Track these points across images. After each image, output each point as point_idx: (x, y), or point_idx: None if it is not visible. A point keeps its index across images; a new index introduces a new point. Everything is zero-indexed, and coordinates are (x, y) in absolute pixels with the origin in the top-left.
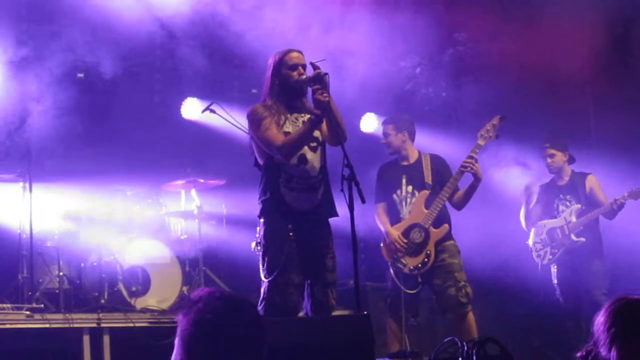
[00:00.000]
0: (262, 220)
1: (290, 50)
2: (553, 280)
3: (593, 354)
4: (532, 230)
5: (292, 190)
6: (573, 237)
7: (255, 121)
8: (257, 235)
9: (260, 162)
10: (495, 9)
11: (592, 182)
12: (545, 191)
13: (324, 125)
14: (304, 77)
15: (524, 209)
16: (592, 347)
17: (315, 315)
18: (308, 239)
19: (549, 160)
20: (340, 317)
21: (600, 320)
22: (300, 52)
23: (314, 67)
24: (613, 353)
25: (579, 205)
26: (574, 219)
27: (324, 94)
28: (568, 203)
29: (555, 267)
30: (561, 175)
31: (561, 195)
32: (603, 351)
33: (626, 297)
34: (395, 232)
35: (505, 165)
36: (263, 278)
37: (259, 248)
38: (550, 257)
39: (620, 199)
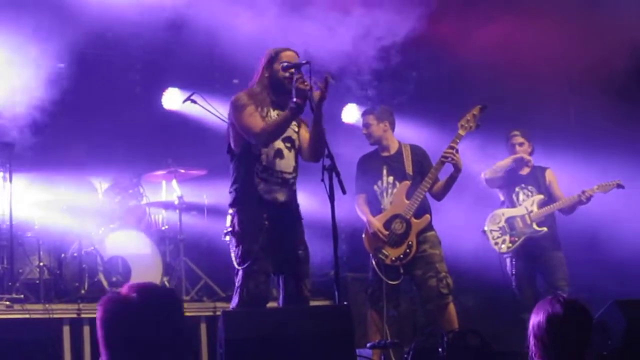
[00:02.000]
0: (234, 209)
1: (286, 49)
2: (509, 271)
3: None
4: (489, 217)
5: (266, 182)
6: (535, 226)
7: (238, 107)
8: (228, 225)
9: (236, 150)
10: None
11: (550, 176)
12: (506, 179)
13: (304, 134)
14: (295, 84)
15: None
16: None
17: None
18: (280, 231)
19: (518, 148)
20: (320, 307)
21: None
22: (296, 53)
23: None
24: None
25: (541, 196)
26: (535, 209)
27: (305, 83)
28: (529, 193)
29: (513, 259)
30: (522, 165)
31: (523, 185)
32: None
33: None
34: (378, 223)
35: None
36: (236, 266)
37: (228, 238)
38: (510, 245)
39: (589, 191)
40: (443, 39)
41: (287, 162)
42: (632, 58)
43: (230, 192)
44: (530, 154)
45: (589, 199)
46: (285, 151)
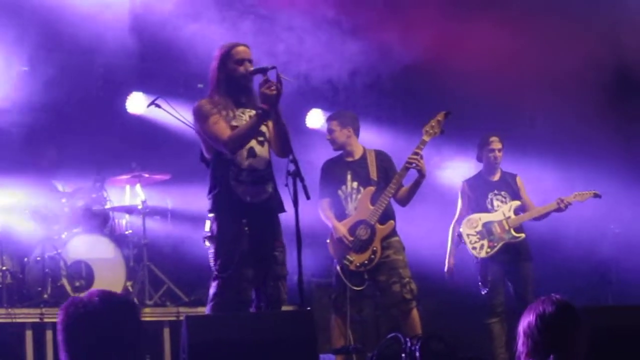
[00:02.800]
0: (212, 215)
1: (236, 44)
2: (483, 276)
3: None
4: (464, 221)
5: (242, 184)
6: (513, 232)
7: (201, 116)
8: (207, 231)
9: (208, 157)
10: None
11: (520, 183)
12: (475, 185)
13: (271, 126)
14: (250, 69)
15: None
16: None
17: (267, 309)
18: (260, 233)
19: (497, 153)
20: (282, 312)
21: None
22: (247, 45)
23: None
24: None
25: (518, 202)
26: (512, 215)
27: (271, 88)
28: (503, 199)
29: (489, 264)
30: (493, 171)
31: (496, 191)
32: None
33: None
34: (343, 229)
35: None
36: (216, 273)
37: (208, 244)
38: (489, 250)
39: (567, 199)
40: (410, 43)
41: (260, 159)
42: (606, 67)
43: (209, 198)
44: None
45: (567, 206)
46: (258, 147)
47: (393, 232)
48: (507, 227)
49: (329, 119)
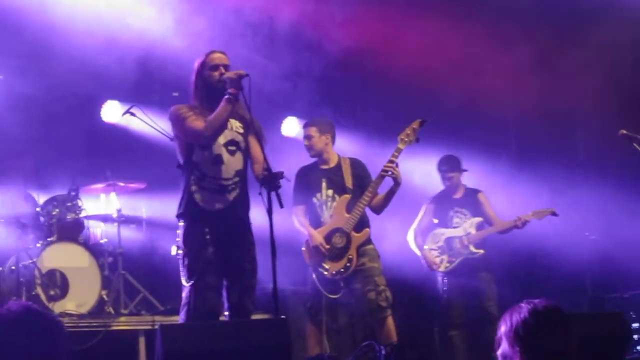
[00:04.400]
0: (180, 223)
1: (212, 52)
2: (441, 288)
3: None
4: (429, 236)
5: (202, 190)
6: (472, 248)
7: (178, 117)
8: (178, 239)
9: (182, 162)
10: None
11: (483, 198)
12: (438, 202)
13: (255, 146)
14: (225, 76)
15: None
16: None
17: (231, 318)
18: (225, 241)
19: (447, 183)
20: (257, 321)
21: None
22: (222, 52)
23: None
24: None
25: (480, 219)
26: (473, 231)
27: (236, 72)
28: (463, 216)
29: (445, 277)
30: (456, 190)
31: (456, 208)
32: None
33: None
34: (319, 237)
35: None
36: (184, 282)
37: (179, 252)
38: (448, 265)
39: (525, 217)
40: (383, 52)
41: (226, 167)
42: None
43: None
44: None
45: (524, 224)
46: (226, 155)
47: (368, 240)
48: (466, 243)
49: (307, 125)
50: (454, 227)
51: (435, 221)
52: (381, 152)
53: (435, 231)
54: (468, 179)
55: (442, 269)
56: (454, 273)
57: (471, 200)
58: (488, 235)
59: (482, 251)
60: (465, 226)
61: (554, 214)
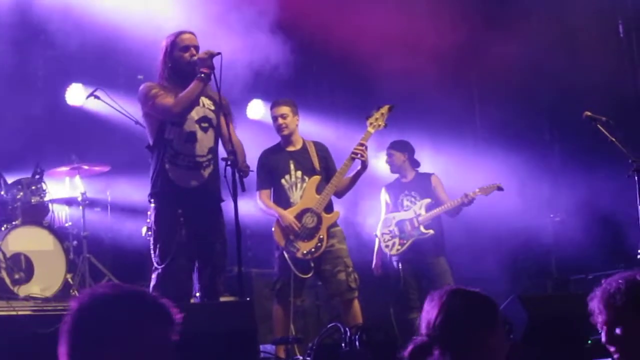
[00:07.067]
0: (152, 205)
1: (182, 32)
2: (397, 272)
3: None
4: (380, 221)
5: (177, 167)
6: (422, 228)
7: (147, 94)
8: (148, 220)
9: (151, 141)
10: None
11: (435, 181)
12: (391, 189)
13: (223, 125)
14: (195, 57)
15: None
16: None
17: (202, 300)
18: (198, 223)
19: (387, 159)
20: (222, 303)
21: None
22: (192, 33)
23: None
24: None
25: (428, 200)
26: (423, 212)
27: (206, 51)
28: (413, 198)
29: (399, 262)
30: (404, 174)
31: (406, 192)
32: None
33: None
34: (291, 216)
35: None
36: (156, 265)
37: (149, 233)
38: (399, 247)
39: (472, 194)
40: (349, 37)
41: (200, 145)
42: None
43: (150, 185)
44: (411, 164)
45: (471, 201)
46: (200, 133)
47: (336, 222)
48: (416, 224)
49: (279, 104)
50: (405, 211)
51: (389, 205)
52: (348, 136)
53: (386, 215)
54: (435, 161)
55: (394, 252)
56: (407, 257)
57: (421, 183)
58: (438, 216)
59: (431, 231)
60: (414, 208)
61: (499, 188)
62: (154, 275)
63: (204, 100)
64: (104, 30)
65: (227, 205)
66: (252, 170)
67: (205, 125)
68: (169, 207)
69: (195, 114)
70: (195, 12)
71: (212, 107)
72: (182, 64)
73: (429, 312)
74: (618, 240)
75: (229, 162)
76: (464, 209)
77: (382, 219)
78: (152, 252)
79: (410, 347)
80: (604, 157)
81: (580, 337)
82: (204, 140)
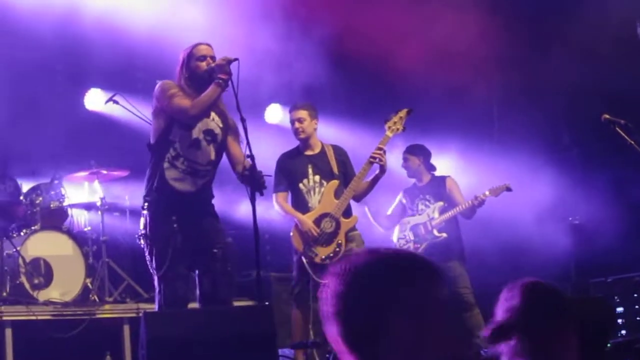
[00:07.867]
0: (145, 212)
1: (198, 44)
2: None
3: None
4: (397, 226)
5: (175, 169)
6: (435, 232)
7: (166, 91)
8: (141, 227)
9: (152, 141)
10: None
11: (450, 183)
12: (407, 194)
13: (234, 146)
14: (213, 65)
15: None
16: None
17: (204, 307)
18: (193, 229)
19: (403, 163)
20: (242, 307)
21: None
22: (209, 44)
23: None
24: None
25: (441, 203)
26: (436, 215)
27: (222, 58)
28: (427, 202)
29: None
30: (420, 177)
31: (421, 195)
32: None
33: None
34: (309, 221)
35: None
36: (153, 272)
37: (142, 242)
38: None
39: (481, 196)
40: (370, 41)
41: (203, 154)
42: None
43: (144, 189)
44: (427, 168)
45: (481, 203)
46: (204, 143)
47: (354, 227)
48: (430, 228)
49: (297, 108)
50: (419, 215)
51: (404, 205)
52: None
53: (402, 220)
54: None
55: None
56: None
57: (436, 186)
58: (453, 218)
59: (444, 234)
60: (428, 212)
61: (508, 189)
62: (155, 282)
63: (213, 114)
64: (123, 36)
65: (249, 209)
66: (269, 175)
67: (209, 138)
68: (162, 214)
69: (202, 124)
70: (216, 16)
71: (220, 125)
72: (199, 73)
73: (508, 299)
74: (637, 242)
75: (244, 179)
76: (480, 212)
77: (399, 224)
78: (148, 259)
79: (490, 327)
80: (623, 159)
81: (600, 340)
82: (206, 151)
